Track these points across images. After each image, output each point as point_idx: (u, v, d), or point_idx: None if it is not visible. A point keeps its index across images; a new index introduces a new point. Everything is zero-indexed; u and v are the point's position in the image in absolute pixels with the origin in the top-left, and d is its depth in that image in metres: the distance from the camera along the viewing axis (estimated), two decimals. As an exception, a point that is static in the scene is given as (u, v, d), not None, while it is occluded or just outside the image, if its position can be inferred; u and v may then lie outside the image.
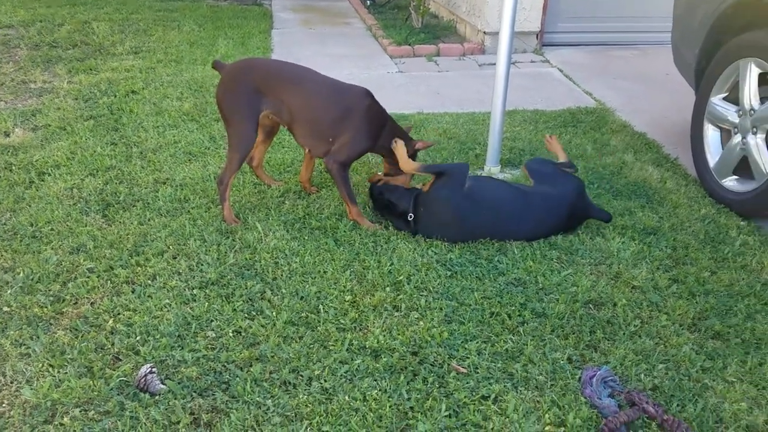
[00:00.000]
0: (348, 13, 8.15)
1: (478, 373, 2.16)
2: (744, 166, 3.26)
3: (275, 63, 3.14)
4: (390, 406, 1.99)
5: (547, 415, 1.98)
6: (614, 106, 4.76)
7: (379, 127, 3.03)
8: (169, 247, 2.78)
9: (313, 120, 2.95)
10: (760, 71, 3.16)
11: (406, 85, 5.26)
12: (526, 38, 6.14)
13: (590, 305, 2.52)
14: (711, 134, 3.51)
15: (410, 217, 2.91)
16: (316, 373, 2.12)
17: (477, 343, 2.29)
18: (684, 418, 2.01)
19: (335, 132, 2.95)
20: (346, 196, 2.99)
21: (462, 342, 2.29)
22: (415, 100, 4.86)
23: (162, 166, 3.51)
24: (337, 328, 2.33)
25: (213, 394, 2.03)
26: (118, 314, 2.38)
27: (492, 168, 3.59)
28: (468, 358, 2.22)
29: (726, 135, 3.44)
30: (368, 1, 8.24)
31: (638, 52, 6.25)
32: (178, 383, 2.06)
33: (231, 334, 2.28)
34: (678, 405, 2.06)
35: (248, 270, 2.65)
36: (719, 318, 2.47)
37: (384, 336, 2.29)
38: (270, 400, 2.01)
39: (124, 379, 2.07)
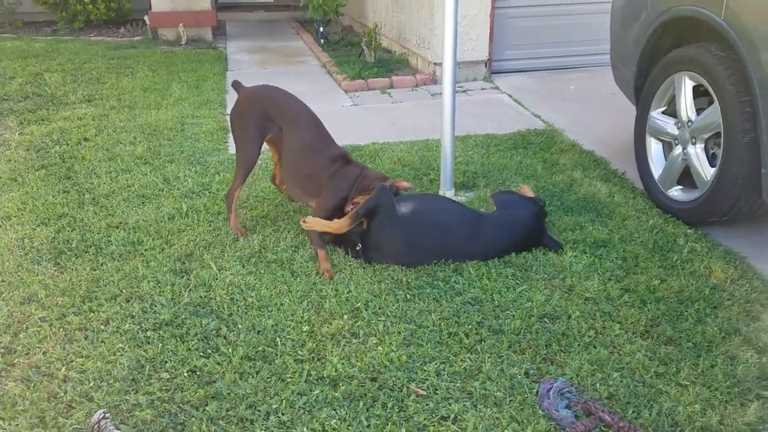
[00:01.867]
0: (303, 52, 8.26)
1: (437, 394, 2.17)
2: (687, 176, 3.37)
3: (286, 95, 3.24)
4: (349, 434, 1.98)
5: (506, 431, 1.99)
6: (562, 126, 4.89)
7: (349, 188, 3.07)
8: (122, 291, 2.74)
9: (292, 164, 3.14)
10: (694, 84, 3.29)
11: (361, 118, 5.33)
12: (475, 67, 6.29)
13: (545, 319, 2.55)
14: (654, 147, 3.63)
15: (358, 246, 2.95)
16: (274, 407, 2.10)
17: (435, 364, 2.30)
18: (640, 423, 2.04)
19: (311, 187, 3.10)
20: (314, 242, 2.98)
21: (421, 364, 2.30)
22: (370, 131, 4.93)
23: (115, 211, 3.48)
24: (294, 360, 2.32)
25: (169, 436, 2.00)
26: (71, 362, 2.34)
27: (447, 192, 3.65)
28: (427, 379, 2.23)
29: (668, 147, 3.55)
30: (322, 40, 8.37)
31: (584, 74, 6.44)
32: (133, 427, 2.02)
33: (186, 374, 2.25)
34: (634, 411, 2.09)
35: (203, 308, 2.62)
36: (670, 324, 2.53)
37: (342, 364, 2.28)
38: (227, 438, 1.98)
39: (78, 426, 2.03)
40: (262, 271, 2.88)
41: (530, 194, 3.42)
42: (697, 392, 2.17)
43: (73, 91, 5.96)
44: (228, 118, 5.17)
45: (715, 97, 3.09)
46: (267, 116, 3.12)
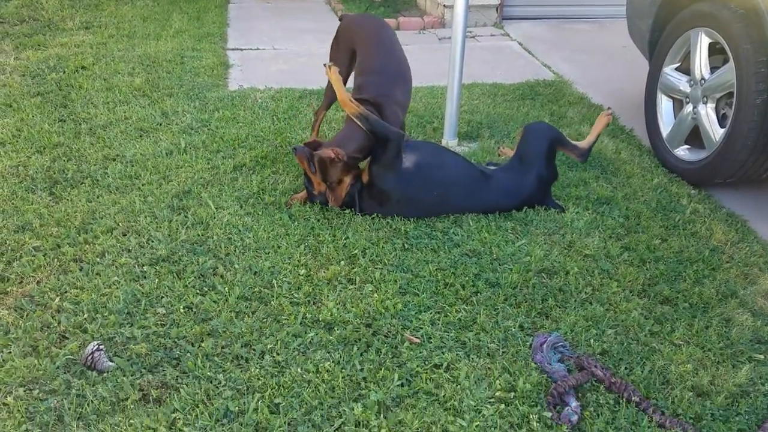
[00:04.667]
0: (308, -12, 8.01)
1: (431, 342, 2.17)
2: (695, 136, 3.31)
3: (363, 22, 3.40)
4: (343, 377, 1.99)
5: (498, 381, 2.00)
6: (572, 78, 4.79)
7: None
8: (118, 224, 2.71)
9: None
10: (710, 41, 3.19)
11: (365, 60, 5.20)
12: (486, 12, 6.12)
13: (543, 274, 2.54)
14: (664, 104, 3.56)
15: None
16: (269, 346, 2.10)
17: (430, 313, 2.29)
18: (632, 380, 2.05)
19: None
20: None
21: (416, 313, 2.29)
22: (374, 74, 4.81)
23: (112, 143, 3.42)
24: (290, 302, 2.31)
25: (163, 370, 2.00)
26: (65, 293, 2.32)
27: (449, 141, 3.59)
28: (421, 328, 2.23)
29: (678, 105, 3.48)
30: (328, -24, 8.10)
31: (596, 25, 6.28)
32: (127, 360, 2.03)
33: (182, 310, 2.24)
34: (626, 368, 2.10)
35: (200, 246, 2.60)
36: (668, 284, 2.52)
37: (338, 309, 2.28)
38: (221, 375, 1.99)
39: (71, 357, 2.03)
40: (260, 213, 2.85)
41: (594, 135, 3.14)
42: (690, 352, 2.18)
43: (71, 17, 5.79)
44: (228, 53, 5.08)
45: (730, 56, 3.00)
46: (351, 41, 3.22)
